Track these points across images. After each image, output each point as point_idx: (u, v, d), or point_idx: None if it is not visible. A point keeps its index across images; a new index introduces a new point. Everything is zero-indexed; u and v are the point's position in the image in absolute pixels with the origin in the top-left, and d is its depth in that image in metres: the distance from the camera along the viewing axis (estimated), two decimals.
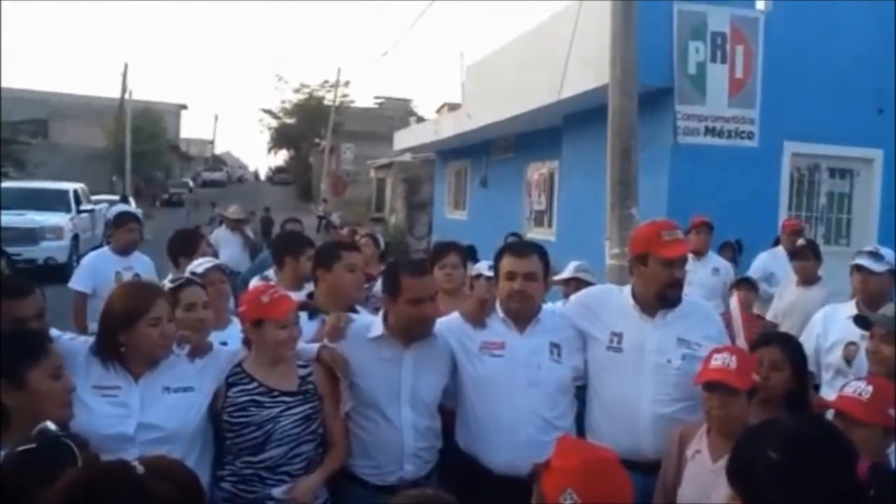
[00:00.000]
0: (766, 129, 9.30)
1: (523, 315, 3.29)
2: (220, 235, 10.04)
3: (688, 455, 2.86)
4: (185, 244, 5.04)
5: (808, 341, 4.22)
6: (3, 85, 40.04)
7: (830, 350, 4.34)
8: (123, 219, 6.48)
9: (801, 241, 6.31)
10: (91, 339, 2.87)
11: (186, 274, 3.80)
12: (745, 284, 6.22)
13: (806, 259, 5.93)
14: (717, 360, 2.76)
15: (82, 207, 18.08)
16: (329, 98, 45.82)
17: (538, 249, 3.38)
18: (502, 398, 3.19)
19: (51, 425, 1.96)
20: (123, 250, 6.18)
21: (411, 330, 3.15)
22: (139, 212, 19.68)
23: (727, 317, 6.00)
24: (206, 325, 3.25)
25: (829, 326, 4.39)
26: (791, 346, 3.21)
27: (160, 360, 2.81)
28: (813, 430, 1.65)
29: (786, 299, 5.88)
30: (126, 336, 2.74)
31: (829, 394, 4.17)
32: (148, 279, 5.83)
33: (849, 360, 4.29)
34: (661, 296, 3.23)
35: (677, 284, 3.24)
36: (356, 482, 3.17)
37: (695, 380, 2.87)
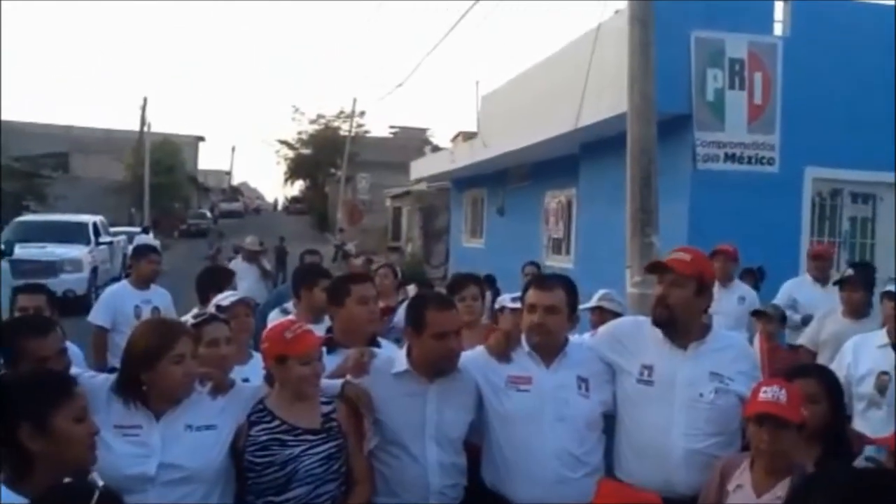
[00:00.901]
0: (786, 154, 9.23)
1: (546, 348, 3.23)
2: (237, 266, 10.05)
3: (729, 489, 2.77)
4: (215, 280, 5.05)
5: (838, 371, 4.10)
6: (26, 120, 40.93)
7: (862, 380, 4.26)
8: (144, 251, 6.50)
9: (848, 271, 6.01)
10: (111, 377, 2.83)
11: (211, 307, 3.79)
12: (763, 316, 6.08)
13: (852, 290, 5.52)
14: (767, 393, 2.67)
15: (101, 240, 18.23)
16: (345, 128, 46.13)
17: (564, 283, 3.33)
18: (529, 434, 3.12)
19: (98, 480, 1.94)
20: (143, 283, 6.18)
21: (436, 365, 3.09)
22: (157, 242, 19.87)
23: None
24: (228, 362, 3.21)
25: (860, 356, 4.31)
26: (827, 378, 3.12)
27: (182, 398, 2.77)
28: (869, 487, 1.55)
29: (829, 329, 5.58)
30: (148, 374, 2.70)
31: (861, 425, 4.08)
32: (167, 313, 5.83)
33: (881, 390, 4.20)
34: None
35: (657, 303, 3.19)
36: None
37: (744, 412, 2.79)
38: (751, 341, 5.69)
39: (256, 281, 9.71)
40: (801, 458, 2.76)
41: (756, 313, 6.21)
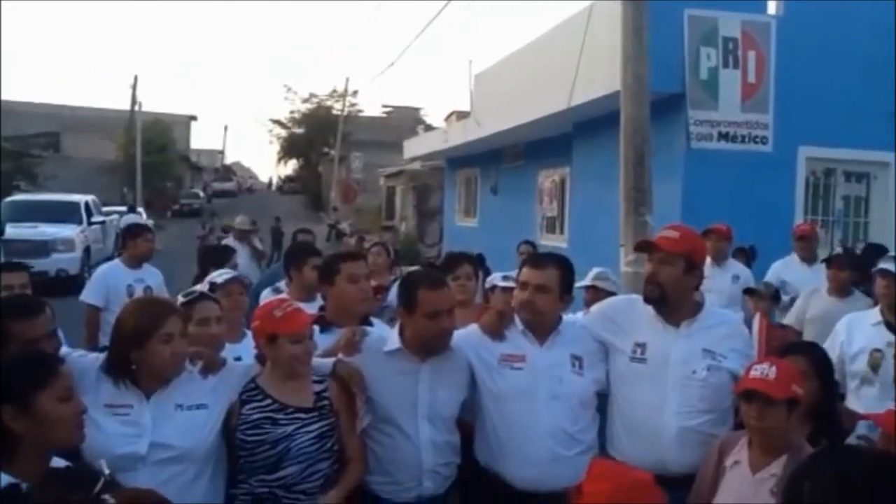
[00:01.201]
0: (780, 133, 9.21)
1: (538, 326, 3.22)
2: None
3: (726, 465, 2.78)
4: (215, 258, 5.06)
5: (831, 350, 4.14)
6: (16, 99, 40.57)
7: (855, 358, 4.27)
8: (139, 230, 6.50)
9: (837, 250, 6.06)
10: (101, 356, 2.81)
11: (205, 284, 3.77)
12: (755, 294, 6.09)
13: (839, 268, 5.60)
14: (756, 371, 2.69)
15: (94, 219, 18.12)
16: (338, 108, 45.87)
17: (559, 262, 3.31)
18: (523, 412, 3.12)
19: (105, 468, 1.94)
20: (137, 262, 6.17)
21: (428, 344, 3.08)
22: (150, 222, 19.80)
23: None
24: (219, 340, 3.20)
25: (854, 334, 4.32)
26: (817, 356, 3.13)
27: (172, 377, 2.75)
28: (860, 473, 1.54)
29: (815, 307, 5.65)
30: (137, 354, 2.68)
31: (854, 403, 4.11)
32: (159, 292, 5.82)
33: (874, 367, 4.22)
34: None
35: (647, 280, 3.19)
36: (373, 499, 3.10)
37: (734, 390, 2.81)
38: (747, 322, 5.71)
39: (248, 260, 9.69)
40: (795, 435, 2.76)
41: (748, 291, 6.22)
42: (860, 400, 4.12)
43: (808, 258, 6.82)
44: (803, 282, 6.38)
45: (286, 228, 18.64)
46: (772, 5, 9.53)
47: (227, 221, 17.13)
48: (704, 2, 9.06)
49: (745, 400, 2.69)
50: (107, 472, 2.10)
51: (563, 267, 3.27)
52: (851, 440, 3.01)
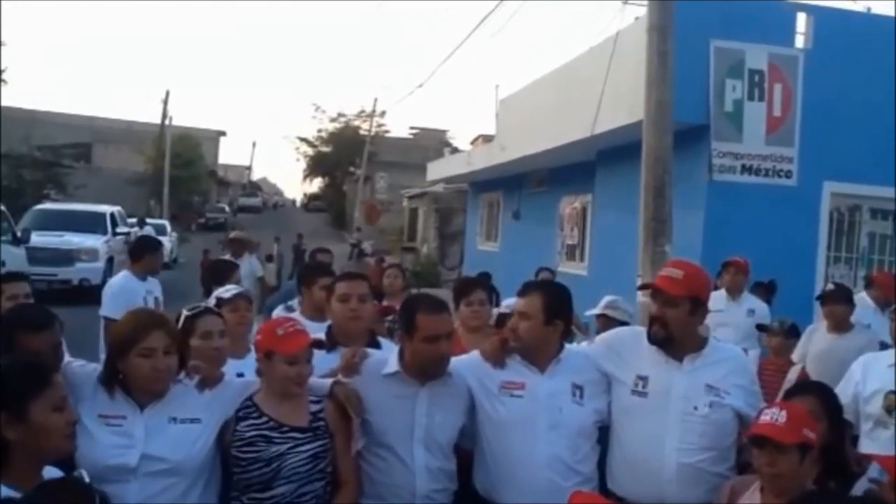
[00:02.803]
0: (804, 168, 9.12)
1: (528, 354, 3.17)
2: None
3: None
4: (217, 274, 5.10)
5: (846, 390, 4.07)
6: (50, 109, 41.40)
7: (870, 399, 4.18)
8: (157, 245, 6.65)
9: (829, 286, 5.98)
10: (100, 367, 2.82)
11: (212, 299, 3.79)
12: (766, 330, 6.00)
13: (834, 304, 5.60)
14: (766, 416, 2.62)
15: (118, 230, 18.33)
16: (365, 127, 46.20)
17: (542, 288, 3.29)
18: (522, 440, 3.07)
19: (85, 476, 1.94)
20: (148, 274, 6.31)
21: (425, 368, 3.05)
22: (174, 235, 19.83)
23: (767, 362, 5.79)
24: (221, 355, 3.20)
25: (869, 375, 4.23)
26: (828, 396, 3.06)
27: (156, 391, 2.73)
28: None
29: (817, 344, 5.60)
30: (123, 365, 2.69)
31: (868, 445, 4.01)
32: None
33: (890, 410, 4.13)
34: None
35: (653, 322, 3.13)
36: None
37: (744, 434, 2.76)
38: (762, 360, 5.60)
39: (245, 276, 9.58)
40: (809, 482, 2.68)
41: (761, 327, 6.14)
42: (874, 442, 4.02)
43: (883, 303, 6.34)
44: (877, 324, 6.03)
45: (309, 246, 18.72)
46: (800, 38, 9.47)
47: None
48: (731, 33, 9.02)
49: (756, 446, 2.61)
50: (87, 479, 2.10)
51: (548, 293, 3.21)
52: (863, 482, 2.93)
